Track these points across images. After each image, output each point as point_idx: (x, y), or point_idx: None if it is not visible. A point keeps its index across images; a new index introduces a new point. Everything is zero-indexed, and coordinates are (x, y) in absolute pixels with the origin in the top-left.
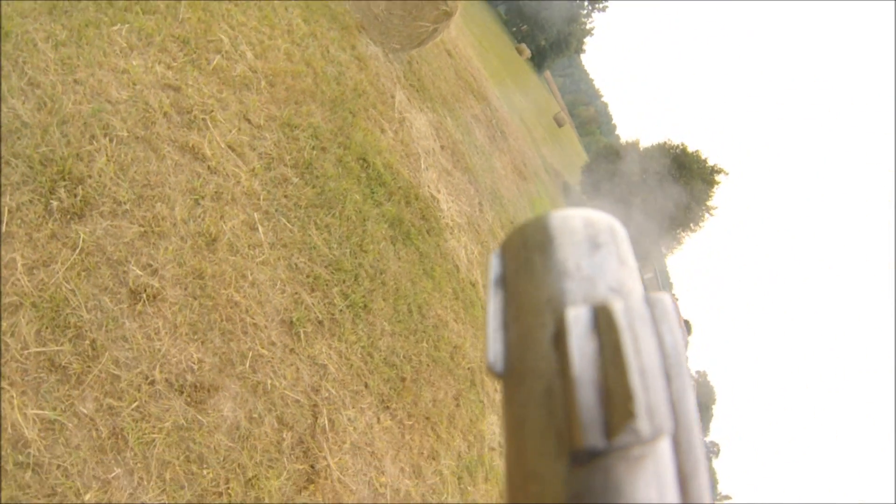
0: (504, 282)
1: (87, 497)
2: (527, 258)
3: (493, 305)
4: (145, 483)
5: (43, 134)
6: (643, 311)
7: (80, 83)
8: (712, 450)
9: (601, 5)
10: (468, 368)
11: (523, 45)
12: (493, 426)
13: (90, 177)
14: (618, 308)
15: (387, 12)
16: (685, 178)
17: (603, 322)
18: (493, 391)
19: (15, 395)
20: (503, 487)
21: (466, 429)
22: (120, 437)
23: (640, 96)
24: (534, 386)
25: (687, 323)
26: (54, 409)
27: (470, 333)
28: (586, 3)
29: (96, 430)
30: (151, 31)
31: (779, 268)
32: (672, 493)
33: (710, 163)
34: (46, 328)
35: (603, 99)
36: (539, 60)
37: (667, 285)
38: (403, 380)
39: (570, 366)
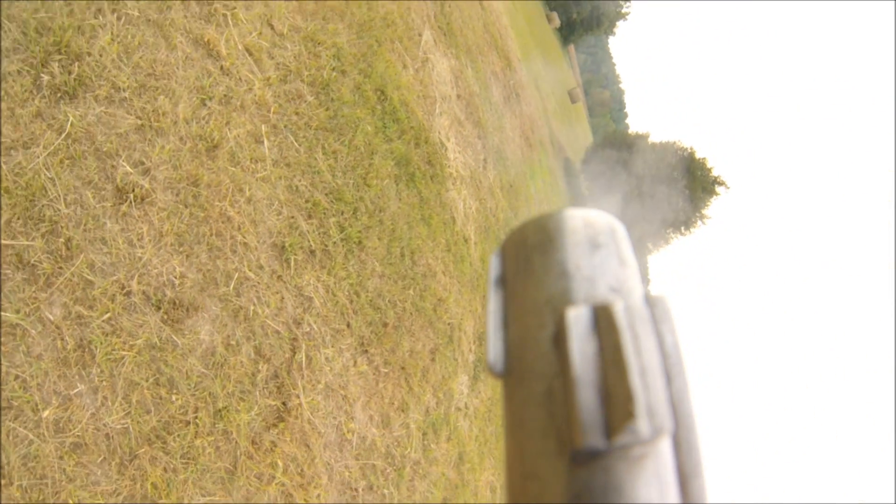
0: (504, 282)
1: (45, 413)
2: (526, 258)
3: (493, 305)
4: (109, 403)
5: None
6: (643, 312)
7: None
8: None
9: None
10: (448, 324)
11: (554, 14)
12: (462, 386)
13: (89, 54)
14: (618, 308)
15: None
16: (687, 181)
17: (603, 322)
18: (468, 351)
19: None
20: (503, 486)
21: (438, 385)
22: (87, 350)
23: (657, 93)
24: (534, 386)
25: None
26: (17, 311)
27: (455, 288)
28: None
29: (62, 339)
30: None
31: (765, 280)
32: (672, 492)
33: (714, 173)
34: (18, 219)
35: (620, 85)
36: (567, 32)
37: (644, 280)
38: (385, 325)
39: (571, 366)
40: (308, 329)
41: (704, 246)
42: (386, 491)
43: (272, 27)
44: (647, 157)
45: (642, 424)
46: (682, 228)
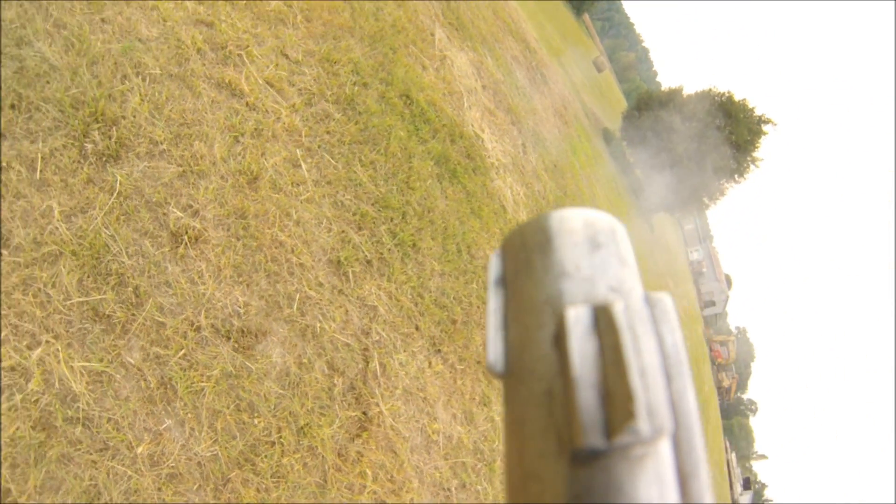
0: (504, 282)
1: (139, 450)
2: (526, 258)
3: (493, 305)
4: (196, 433)
5: (73, 76)
6: (643, 311)
7: (107, 22)
8: (750, 408)
9: None
10: None
11: None
12: None
13: (124, 117)
14: (618, 308)
15: None
16: (731, 126)
17: (603, 322)
18: None
19: (60, 349)
20: (504, 487)
21: None
22: (169, 386)
23: (683, 42)
24: (534, 386)
25: (728, 277)
26: (101, 360)
27: None
28: None
29: (144, 380)
30: None
31: (826, 221)
32: (673, 492)
33: (758, 112)
34: (88, 277)
35: (644, 44)
36: (577, 2)
37: (707, 237)
38: (454, 322)
39: (571, 366)
40: (377, 337)
41: (763, 190)
42: (479, 487)
43: (287, 56)
44: (686, 111)
45: (642, 424)
46: (736, 176)
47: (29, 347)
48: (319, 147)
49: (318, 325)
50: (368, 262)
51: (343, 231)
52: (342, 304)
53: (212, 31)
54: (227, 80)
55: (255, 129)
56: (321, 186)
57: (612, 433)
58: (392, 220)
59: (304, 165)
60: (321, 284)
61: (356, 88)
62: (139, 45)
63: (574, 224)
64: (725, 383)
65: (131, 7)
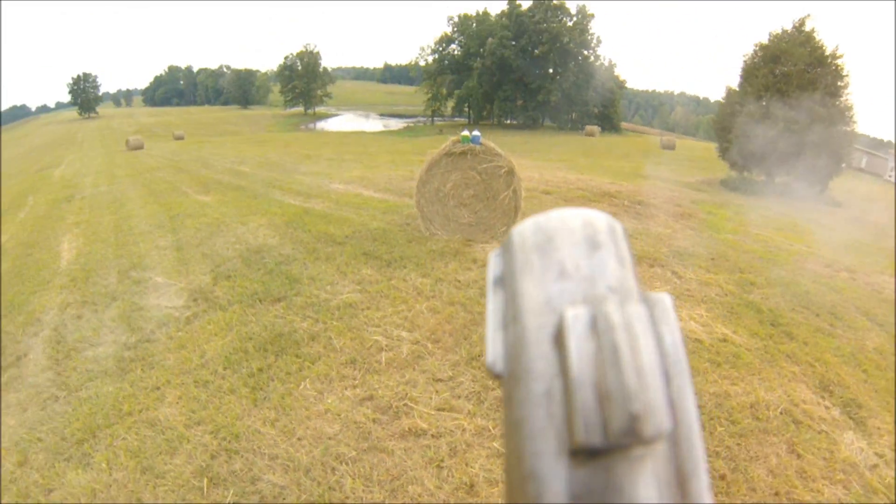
0: (503, 282)
1: None
2: (525, 259)
3: (492, 305)
4: None
5: (297, 487)
6: (642, 311)
7: (301, 438)
8: None
9: None
10: None
11: (594, 127)
12: None
13: (346, 500)
14: (616, 308)
15: None
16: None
17: (601, 322)
18: None
19: None
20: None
21: None
22: None
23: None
24: (533, 386)
25: None
26: None
27: None
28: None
29: None
30: (325, 372)
31: None
32: (672, 492)
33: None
34: None
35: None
36: (607, 127)
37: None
38: None
39: (570, 366)
40: None
41: None
42: None
43: (440, 380)
44: (753, 108)
45: (641, 424)
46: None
47: None
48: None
49: None
50: None
51: None
52: None
53: (373, 402)
54: (406, 428)
55: (450, 449)
56: None
57: (610, 433)
58: None
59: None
60: None
61: None
62: (332, 442)
63: (573, 224)
64: None
65: (311, 418)
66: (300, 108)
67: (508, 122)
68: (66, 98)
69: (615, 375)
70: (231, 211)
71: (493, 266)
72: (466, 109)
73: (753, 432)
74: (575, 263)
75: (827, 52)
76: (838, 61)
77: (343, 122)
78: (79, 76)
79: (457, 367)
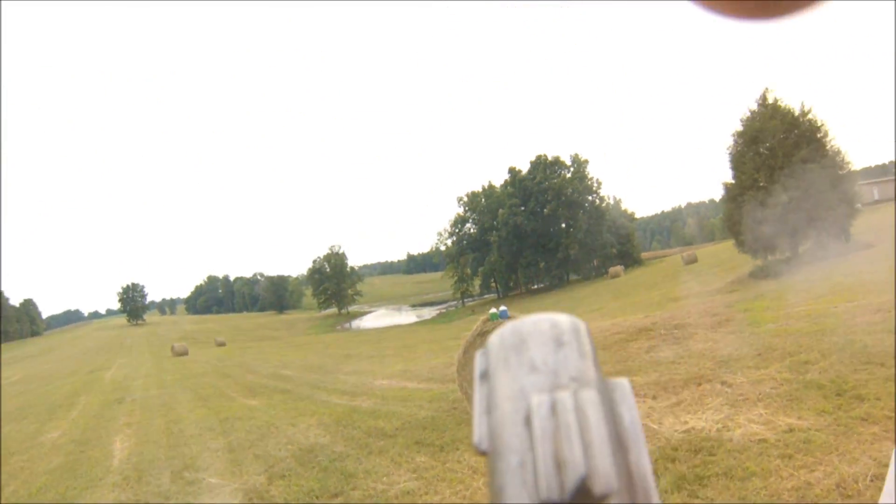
0: (487, 375)
1: None
2: (504, 356)
3: (478, 395)
4: None
5: None
6: (594, 396)
7: None
8: None
9: None
10: None
11: (617, 268)
12: None
13: None
14: (570, 395)
15: None
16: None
17: (559, 406)
18: None
19: None
20: None
21: None
22: None
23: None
24: (510, 459)
25: None
26: None
27: None
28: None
29: None
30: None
31: None
32: None
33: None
34: None
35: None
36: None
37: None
38: None
39: (535, 442)
40: None
41: None
42: None
43: None
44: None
45: (590, 483)
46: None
47: None
48: None
49: None
50: None
51: None
52: None
53: None
54: None
55: None
56: None
57: (565, 491)
58: None
59: None
60: None
61: None
62: None
63: (543, 326)
64: None
65: None
66: (334, 309)
67: (535, 286)
68: (116, 305)
69: (567, 447)
70: (279, 413)
71: (479, 363)
72: (493, 284)
73: None
74: (543, 359)
75: (796, 114)
76: (809, 116)
77: (377, 319)
78: (128, 286)
79: None
